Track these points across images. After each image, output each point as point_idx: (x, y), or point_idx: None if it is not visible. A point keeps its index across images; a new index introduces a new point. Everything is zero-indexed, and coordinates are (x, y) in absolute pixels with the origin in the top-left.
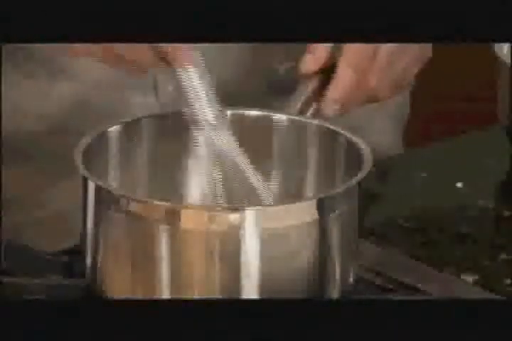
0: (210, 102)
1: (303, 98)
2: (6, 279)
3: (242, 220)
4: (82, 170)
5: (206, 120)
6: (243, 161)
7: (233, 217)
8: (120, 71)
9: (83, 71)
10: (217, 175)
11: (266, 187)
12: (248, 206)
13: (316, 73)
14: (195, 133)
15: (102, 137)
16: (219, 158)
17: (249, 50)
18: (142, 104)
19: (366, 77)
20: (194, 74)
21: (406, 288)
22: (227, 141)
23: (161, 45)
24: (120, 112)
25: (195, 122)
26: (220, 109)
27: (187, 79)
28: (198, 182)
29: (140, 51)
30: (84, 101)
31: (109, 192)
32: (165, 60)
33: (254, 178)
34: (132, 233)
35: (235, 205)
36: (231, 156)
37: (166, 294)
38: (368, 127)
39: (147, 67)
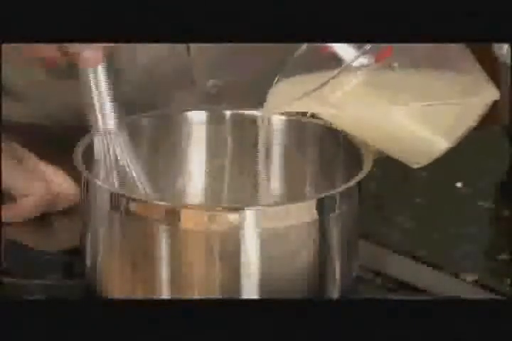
0: (111, 106)
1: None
2: (6, 279)
3: (242, 220)
4: (82, 170)
5: (105, 123)
6: (134, 170)
7: (233, 217)
8: None
9: None
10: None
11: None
12: (248, 206)
13: None
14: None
15: None
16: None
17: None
18: None
19: None
20: (101, 73)
21: (406, 288)
22: (122, 148)
23: (70, 45)
24: None
25: (96, 125)
26: (117, 114)
27: (93, 78)
28: (197, 182)
29: (49, 50)
30: None
31: (109, 192)
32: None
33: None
34: (132, 233)
35: (235, 205)
36: (124, 163)
37: (166, 294)
38: None
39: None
